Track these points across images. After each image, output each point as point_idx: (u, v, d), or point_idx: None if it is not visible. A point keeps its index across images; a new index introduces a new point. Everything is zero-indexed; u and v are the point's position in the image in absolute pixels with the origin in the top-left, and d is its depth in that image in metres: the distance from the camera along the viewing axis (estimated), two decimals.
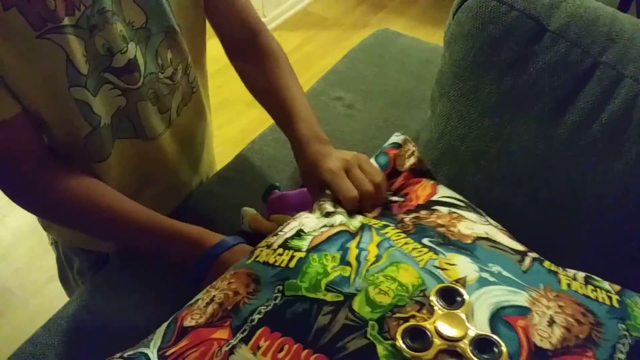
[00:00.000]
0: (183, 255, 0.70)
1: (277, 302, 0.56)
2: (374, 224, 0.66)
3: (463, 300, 0.54)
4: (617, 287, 0.61)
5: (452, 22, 0.80)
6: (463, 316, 0.52)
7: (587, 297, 0.58)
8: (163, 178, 0.88)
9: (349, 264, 0.58)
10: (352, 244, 0.61)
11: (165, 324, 0.61)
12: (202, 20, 0.82)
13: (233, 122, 2.00)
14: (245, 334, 0.54)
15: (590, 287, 0.60)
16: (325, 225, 0.64)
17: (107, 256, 0.91)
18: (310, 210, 0.70)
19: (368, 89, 1.14)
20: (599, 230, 0.71)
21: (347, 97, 1.12)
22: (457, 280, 0.57)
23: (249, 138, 1.08)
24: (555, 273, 0.61)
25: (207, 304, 0.60)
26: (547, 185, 0.73)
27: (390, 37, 1.28)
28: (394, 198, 0.75)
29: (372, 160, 0.79)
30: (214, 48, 0.93)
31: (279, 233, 0.66)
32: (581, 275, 0.62)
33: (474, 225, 0.67)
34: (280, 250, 0.62)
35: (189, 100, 0.84)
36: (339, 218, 0.66)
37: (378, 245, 0.61)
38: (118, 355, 0.59)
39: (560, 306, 0.55)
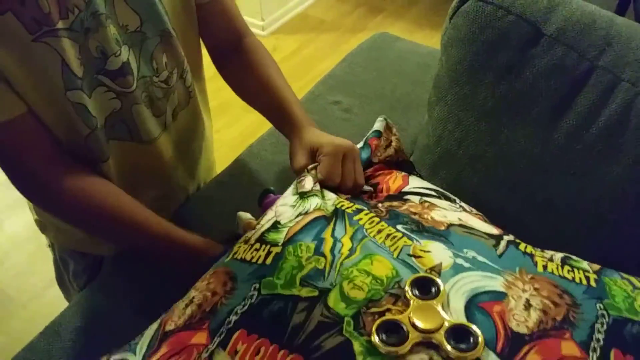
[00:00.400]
0: (186, 263, 0.70)
1: (252, 301, 0.55)
2: (347, 208, 0.64)
3: (438, 290, 0.53)
4: (596, 267, 0.59)
5: (449, 26, 0.80)
6: (439, 306, 0.52)
7: (564, 277, 0.56)
8: (160, 182, 0.88)
9: (323, 255, 0.57)
10: (327, 233, 0.60)
11: (154, 326, 0.60)
12: (195, 24, 0.82)
13: (232, 126, 2.00)
14: (222, 337, 0.53)
15: (567, 267, 0.58)
16: (300, 214, 0.63)
17: (101, 259, 0.90)
18: (286, 193, 0.68)
19: (365, 93, 1.13)
20: (596, 234, 0.71)
21: (345, 101, 1.11)
22: (432, 268, 0.56)
23: (247, 142, 1.07)
24: (532, 255, 0.59)
25: (187, 305, 0.59)
26: (544, 189, 0.73)
27: (388, 41, 1.27)
28: (365, 187, 0.73)
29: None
30: None
31: (257, 226, 0.64)
32: (559, 256, 0.60)
33: (446, 212, 0.66)
34: (257, 245, 0.60)
35: (185, 104, 0.84)
36: (314, 201, 0.64)
37: (351, 238, 0.59)
38: (105, 357, 0.58)
39: (536, 289, 0.54)
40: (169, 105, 0.80)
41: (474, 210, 0.68)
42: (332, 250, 0.58)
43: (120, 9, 0.68)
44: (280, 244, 0.59)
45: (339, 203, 0.65)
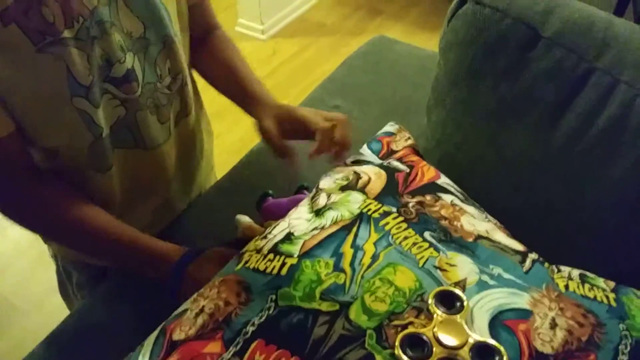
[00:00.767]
0: (155, 271, 0.71)
1: (270, 312, 0.55)
2: (374, 212, 0.63)
3: (462, 305, 0.52)
4: (612, 284, 0.59)
5: (447, 29, 0.80)
6: (462, 322, 0.51)
7: (586, 297, 0.56)
8: (162, 189, 0.88)
9: (343, 270, 0.57)
10: (346, 246, 0.59)
11: (153, 336, 0.59)
12: (187, 25, 0.83)
13: (231, 131, 2.00)
14: (238, 347, 0.53)
15: (587, 285, 0.58)
16: (316, 228, 0.63)
17: (105, 269, 0.91)
18: (297, 207, 0.68)
19: (365, 96, 1.14)
20: (597, 236, 0.71)
21: (344, 105, 1.12)
22: (456, 283, 0.55)
23: (247, 147, 1.07)
24: (552, 277, 0.59)
25: (197, 314, 0.58)
26: (544, 192, 0.73)
27: (387, 45, 1.28)
28: (399, 165, 0.73)
29: (365, 147, 0.79)
30: None
31: (268, 236, 0.64)
32: (576, 273, 0.61)
33: (475, 221, 0.66)
34: (271, 256, 0.60)
35: (187, 110, 0.85)
36: (331, 215, 0.64)
37: (375, 244, 0.59)
38: None
39: (561, 308, 0.54)
40: (172, 111, 0.80)
41: (498, 223, 0.69)
42: (351, 263, 0.57)
43: (124, 16, 0.69)
44: (295, 256, 0.59)
45: (365, 207, 0.64)
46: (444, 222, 0.64)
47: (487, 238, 0.63)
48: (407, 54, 1.24)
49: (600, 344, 0.52)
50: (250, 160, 1.03)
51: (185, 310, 0.60)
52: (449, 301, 0.53)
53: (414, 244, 0.60)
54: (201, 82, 0.92)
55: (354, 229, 0.61)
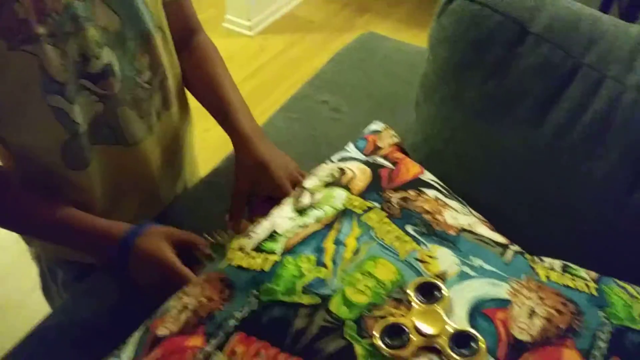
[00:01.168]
0: (103, 249, 0.72)
1: (252, 307, 0.56)
2: (358, 208, 0.65)
3: (442, 295, 0.54)
4: (594, 274, 0.61)
5: (436, 25, 0.81)
6: (441, 312, 0.53)
7: (567, 286, 0.58)
8: (146, 186, 0.87)
9: (324, 265, 0.58)
10: (328, 242, 0.61)
11: (137, 334, 0.60)
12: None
13: (218, 126, 1.99)
14: (219, 340, 0.54)
15: (568, 275, 0.60)
16: (299, 226, 0.64)
17: (91, 267, 0.90)
18: (280, 204, 0.70)
19: (353, 92, 1.14)
20: (586, 231, 0.71)
21: (333, 100, 1.12)
22: (437, 275, 0.57)
23: None
24: (533, 267, 0.61)
25: (180, 311, 0.59)
26: (532, 188, 0.74)
27: (375, 41, 1.28)
28: (384, 162, 0.75)
29: (351, 145, 0.80)
30: None
31: (251, 234, 0.65)
32: (558, 264, 0.62)
33: (458, 215, 0.67)
34: (254, 254, 0.61)
35: (169, 104, 0.84)
36: (315, 214, 0.65)
37: (357, 239, 0.60)
38: None
39: (540, 297, 0.56)
40: (153, 106, 0.80)
41: (481, 217, 0.70)
42: (333, 258, 0.59)
43: (100, 10, 0.68)
44: (278, 253, 0.61)
45: (349, 203, 0.66)
46: (426, 216, 0.65)
47: (469, 231, 0.65)
48: (395, 50, 1.24)
49: (578, 330, 0.53)
50: None
51: (169, 308, 0.61)
52: (429, 291, 0.55)
53: (396, 237, 0.61)
54: None
55: (337, 225, 0.63)
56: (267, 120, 1.10)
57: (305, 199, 0.69)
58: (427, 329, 0.51)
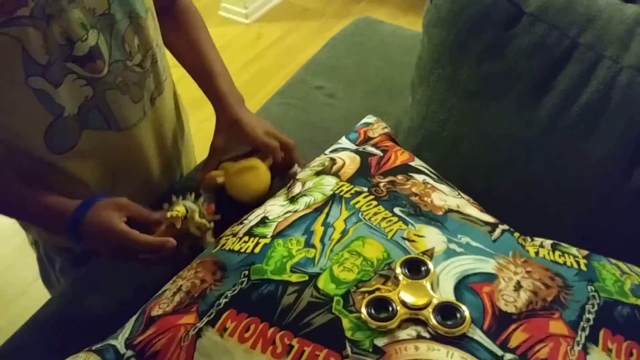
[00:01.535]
0: (56, 226, 0.74)
1: (243, 286, 0.58)
2: (346, 192, 0.66)
3: (428, 270, 0.55)
4: (585, 252, 0.62)
5: (430, 6, 0.80)
6: (427, 285, 0.54)
7: (555, 262, 0.59)
8: (141, 171, 0.87)
9: (313, 246, 0.60)
10: (317, 224, 0.62)
11: (134, 317, 0.63)
12: None
13: (214, 118, 1.98)
14: (211, 317, 0.56)
15: (557, 252, 0.61)
16: (289, 212, 0.66)
17: (88, 254, 0.89)
18: (275, 196, 0.72)
19: (349, 77, 1.13)
20: (580, 213, 0.71)
21: (328, 86, 1.11)
22: (424, 252, 0.58)
23: None
24: (523, 244, 0.62)
25: (175, 293, 0.62)
26: (528, 168, 0.73)
27: (371, 25, 1.27)
28: (373, 150, 0.76)
29: (343, 138, 0.81)
30: None
31: (244, 221, 0.68)
32: (548, 242, 0.63)
33: (446, 197, 0.69)
34: (246, 238, 0.64)
35: (162, 88, 0.83)
36: (305, 200, 0.68)
37: (345, 220, 0.62)
38: (86, 348, 0.61)
39: (528, 271, 0.57)
40: (145, 90, 0.79)
41: (471, 199, 0.72)
42: (322, 239, 0.61)
43: None
44: (268, 237, 0.63)
45: (337, 188, 0.68)
46: (414, 198, 0.67)
47: (457, 212, 0.66)
48: (391, 35, 1.23)
49: (565, 303, 0.54)
50: None
51: (165, 291, 0.64)
52: (416, 267, 0.56)
53: (384, 218, 0.63)
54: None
55: (326, 209, 0.65)
56: (262, 106, 1.09)
57: (297, 189, 0.72)
58: (412, 301, 0.52)
